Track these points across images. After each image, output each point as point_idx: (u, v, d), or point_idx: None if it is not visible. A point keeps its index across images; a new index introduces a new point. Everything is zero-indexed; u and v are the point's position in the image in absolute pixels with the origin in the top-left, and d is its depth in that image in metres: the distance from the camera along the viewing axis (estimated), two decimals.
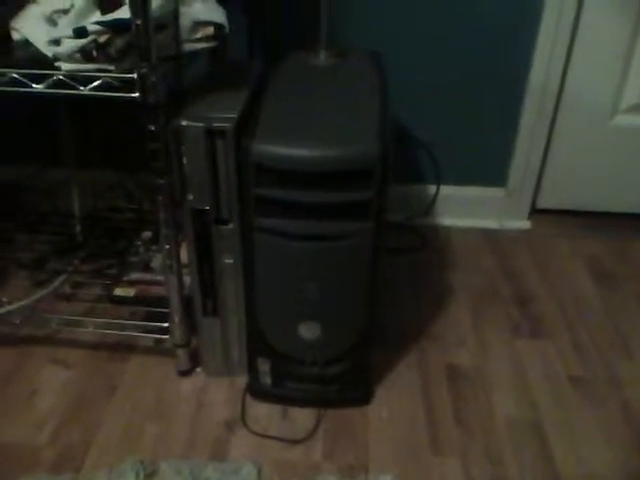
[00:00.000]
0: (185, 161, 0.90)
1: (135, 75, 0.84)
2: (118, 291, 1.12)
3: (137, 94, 0.85)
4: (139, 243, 1.23)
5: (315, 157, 0.84)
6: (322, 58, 1.09)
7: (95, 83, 0.85)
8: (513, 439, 1.02)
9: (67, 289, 1.22)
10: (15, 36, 0.90)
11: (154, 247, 1.22)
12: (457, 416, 1.06)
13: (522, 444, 1.01)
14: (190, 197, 0.93)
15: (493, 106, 1.42)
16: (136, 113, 0.87)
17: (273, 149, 0.85)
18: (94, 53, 0.84)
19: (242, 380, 1.09)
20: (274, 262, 0.93)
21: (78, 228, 1.31)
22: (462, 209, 1.54)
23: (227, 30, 0.91)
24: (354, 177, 0.85)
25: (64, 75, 0.86)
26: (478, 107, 1.43)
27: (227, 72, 1.09)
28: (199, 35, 0.90)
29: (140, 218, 1.32)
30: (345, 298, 0.96)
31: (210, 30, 0.89)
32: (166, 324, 1.07)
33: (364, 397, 1.07)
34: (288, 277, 0.94)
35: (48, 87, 0.87)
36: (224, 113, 0.90)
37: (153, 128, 0.88)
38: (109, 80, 0.85)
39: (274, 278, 0.95)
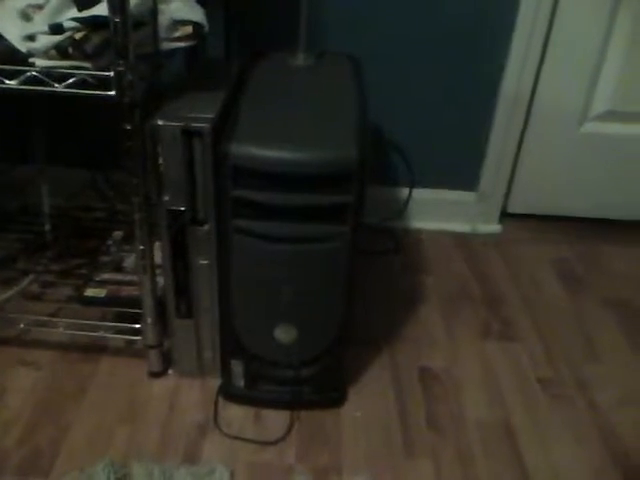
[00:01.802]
0: (161, 161, 0.89)
1: (112, 73, 0.83)
2: (89, 292, 1.10)
3: (113, 92, 0.84)
4: (110, 243, 1.21)
5: (295, 160, 0.84)
6: (300, 59, 1.09)
7: (70, 80, 0.84)
8: (484, 440, 1.03)
9: (36, 289, 1.19)
10: None
11: (126, 247, 1.20)
12: (429, 418, 1.07)
13: (493, 445, 1.03)
14: (166, 198, 0.92)
15: (466, 111, 1.44)
16: (109, 110, 0.85)
17: (252, 151, 0.84)
18: (70, 50, 0.82)
19: (215, 382, 1.09)
20: (250, 264, 0.93)
21: (48, 227, 1.28)
22: (434, 212, 1.56)
23: (206, 29, 0.90)
24: (333, 180, 0.85)
25: (38, 72, 0.84)
26: (451, 111, 1.44)
27: (204, 72, 1.08)
28: (178, 34, 0.89)
29: (111, 217, 1.30)
30: (321, 301, 0.96)
31: (189, 29, 0.88)
32: (138, 325, 1.05)
33: (338, 399, 1.08)
34: (265, 279, 0.93)
35: (22, 83, 0.85)
36: (201, 113, 0.89)
37: (129, 127, 0.87)
38: (85, 77, 0.84)
39: (250, 280, 0.94)
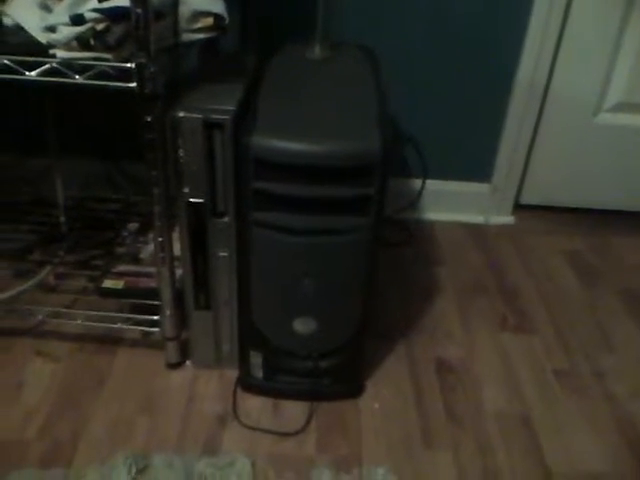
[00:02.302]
0: (181, 153, 0.89)
1: (133, 65, 0.82)
2: (107, 283, 1.10)
3: (134, 84, 0.84)
4: (126, 234, 1.21)
5: (316, 152, 0.83)
6: (317, 51, 1.08)
7: (91, 72, 0.83)
8: (502, 431, 1.04)
9: (52, 280, 1.19)
10: (7, 21, 0.88)
11: (141, 238, 1.20)
12: (447, 410, 1.07)
13: (511, 436, 1.03)
14: (186, 190, 0.92)
15: (480, 101, 1.44)
16: (123, 101, 0.85)
17: (273, 143, 0.84)
18: (91, 41, 0.82)
19: (232, 373, 1.09)
20: (270, 256, 0.93)
21: (62, 218, 1.28)
22: (447, 204, 1.55)
23: (227, 21, 0.89)
24: (355, 172, 0.85)
25: (59, 63, 0.83)
26: (465, 102, 1.44)
27: (222, 64, 1.08)
28: (199, 25, 0.88)
29: (126, 209, 1.30)
30: (342, 293, 0.96)
31: (210, 20, 0.88)
32: (156, 317, 1.06)
33: (356, 390, 1.08)
34: (284, 272, 0.93)
35: (41, 75, 0.84)
36: (222, 105, 0.89)
37: (149, 119, 0.86)
38: (106, 69, 0.83)
39: (270, 272, 0.94)
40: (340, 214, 0.88)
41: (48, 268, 1.19)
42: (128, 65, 0.83)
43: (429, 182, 1.51)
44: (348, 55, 1.12)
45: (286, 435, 1.00)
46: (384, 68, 1.07)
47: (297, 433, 1.01)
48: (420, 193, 1.53)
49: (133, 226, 1.23)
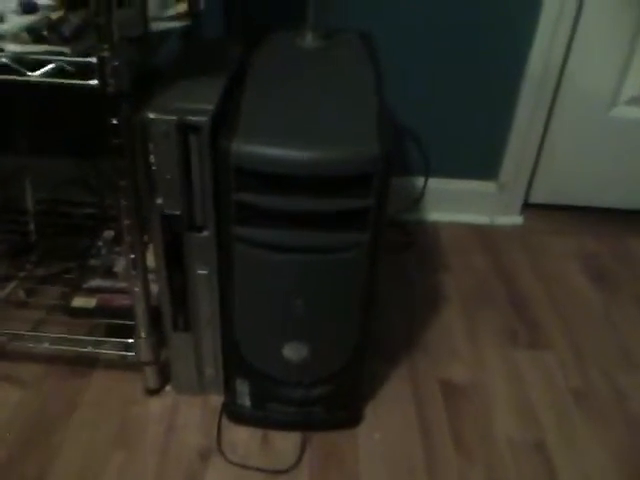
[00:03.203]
0: (153, 160, 0.78)
1: (93, 59, 0.71)
2: (77, 301, 0.99)
3: (96, 81, 0.72)
4: (100, 244, 1.10)
5: (306, 160, 0.72)
6: (309, 40, 0.96)
7: (46, 68, 0.72)
8: (515, 461, 0.94)
9: (19, 297, 1.08)
10: None
11: (117, 249, 1.09)
12: (455, 437, 0.97)
13: (525, 467, 0.93)
14: (159, 201, 0.81)
15: (487, 93, 1.33)
16: (97, 96, 0.74)
17: (256, 149, 0.73)
18: (45, 32, 0.71)
19: (217, 400, 0.99)
20: (255, 276, 0.82)
21: (32, 226, 1.17)
22: (451, 203, 1.45)
23: (202, 7, 0.78)
24: (351, 182, 0.74)
25: (8, 58, 0.72)
26: (471, 95, 1.33)
27: (202, 56, 0.96)
28: (171, 12, 0.77)
29: (102, 214, 1.18)
30: (336, 316, 0.85)
31: (183, 7, 0.77)
32: (131, 340, 0.95)
33: (353, 419, 0.98)
34: (272, 293, 0.83)
35: None
36: (199, 104, 0.78)
37: (115, 121, 0.75)
38: (63, 65, 0.72)
39: (255, 293, 0.84)
40: (334, 229, 0.77)
41: (14, 283, 1.08)
42: (88, 59, 0.72)
43: (432, 180, 1.41)
44: (344, 43, 1.00)
45: (276, 473, 0.90)
46: (382, 57, 0.96)
47: (288, 470, 0.90)
48: (422, 192, 1.42)
49: (109, 234, 1.12)
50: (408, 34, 1.26)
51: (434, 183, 1.42)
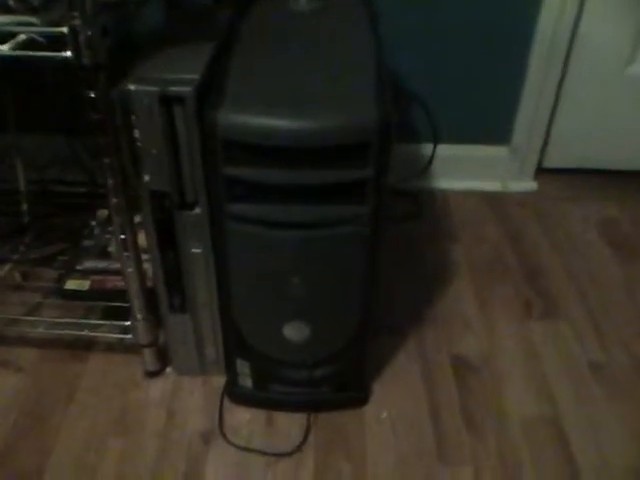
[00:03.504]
0: (137, 135, 0.73)
1: (65, 29, 0.66)
2: (70, 284, 0.96)
3: (69, 53, 0.67)
4: (94, 224, 1.06)
5: (298, 129, 0.67)
6: (302, 2, 0.90)
7: (15, 40, 0.67)
8: (530, 441, 0.90)
9: (14, 279, 1.05)
10: None
11: (111, 228, 1.05)
12: (466, 417, 0.93)
13: (540, 446, 0.89)
14: (147, 178, 0.76)
15: (497, 54, 1.26)
16: None
17: (245, 120, 0.68)
18: (11, 2, 0.66)
19: (219, 380, 0.96)
20: (250, 254, 0.78)
21: (25, 206, 1.13)
22: (461, 170, 1.39)
23: None
24: (347, 152, 0.69)
25: None
26: (480, 55, 1.26)
27: (187, 21, 0.90)
28: None
29: (95, 193, 1.14)
30: (337, 294, 0.81)
31: None
32: (128, 322, 0.92)
33: (360, 398, 0.94)
34: (269, 271, 0.78)
35: None
36: (183, 74, 0.72)
37: (93, 95, 0.70)
38: (33, 36, 0.67)
39: (251, 272, 0.79)
40: (331, 203, 0.73)
41: (8, 266, 1.04)
42: (60, 29, 0.66)
43: (440, 147, 1.34)
44: (340, 5, 0.94)
45: (280, 455, 0.87)
46: (386, 17, 0.90)
47: (293, 453, 0.87)
48: (431, 159, 1.36)
49: (102, 214, 1.08)
50: None
51: (443, 149, 1.35)
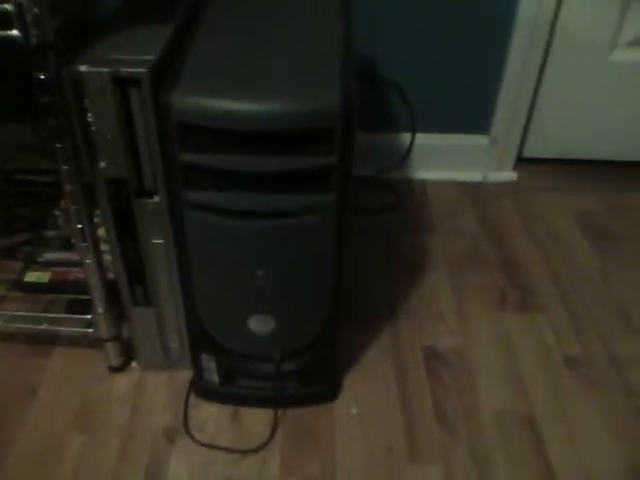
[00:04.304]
0: (91, 118, 0.70)
1: (10, 6, 0.63)
2: (30, 276, 0.93)
3: (16, 32, 0.64)
4: (57, 213, 1.03)
5: (257, 113, 0.64)
6: None
7: None
8: (503, 438, 0.88)
9: None
10: None
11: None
12: (438, 412, 0.91)
13: (513, 443, 0.87)
14: (102, 164, 0.73)
15: (477, 41, 1.23)
16: None
17: (201, 102, 0.65)
18: None
19: (186, 375, 0.92)
20: (211, 245, 0.74)
21: None
22: (440, 160, 1.36)
23: None
24: (310, 137, 0.66)
25: None
26: (459, 40, 1.23)
27: (148, 3, 0.87)
28: None
29: (59, 181, 1.10)
30: (303, 286, 0.78)
31: None
32: (89, 316, 0.88)
33: (329, 393, 0.92)
34: (231, 262, 0.75)
35: None
36: (138, 55, 0.69)
37: (43, 76, 0.67)
38: None
39: (213, 263, 0.76)
40: (295, 191, 0.70)
41: None
42: (4, 6, 0.63)
43: (419, 136, 1.33)
44: None
45: (246, 452, 0.84)
46: (363, 5, 0.86)
47: (259, 449, 0.85)
48: (409, 149, 1.33)
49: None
50: None
51: (421, 139, 1.33)
